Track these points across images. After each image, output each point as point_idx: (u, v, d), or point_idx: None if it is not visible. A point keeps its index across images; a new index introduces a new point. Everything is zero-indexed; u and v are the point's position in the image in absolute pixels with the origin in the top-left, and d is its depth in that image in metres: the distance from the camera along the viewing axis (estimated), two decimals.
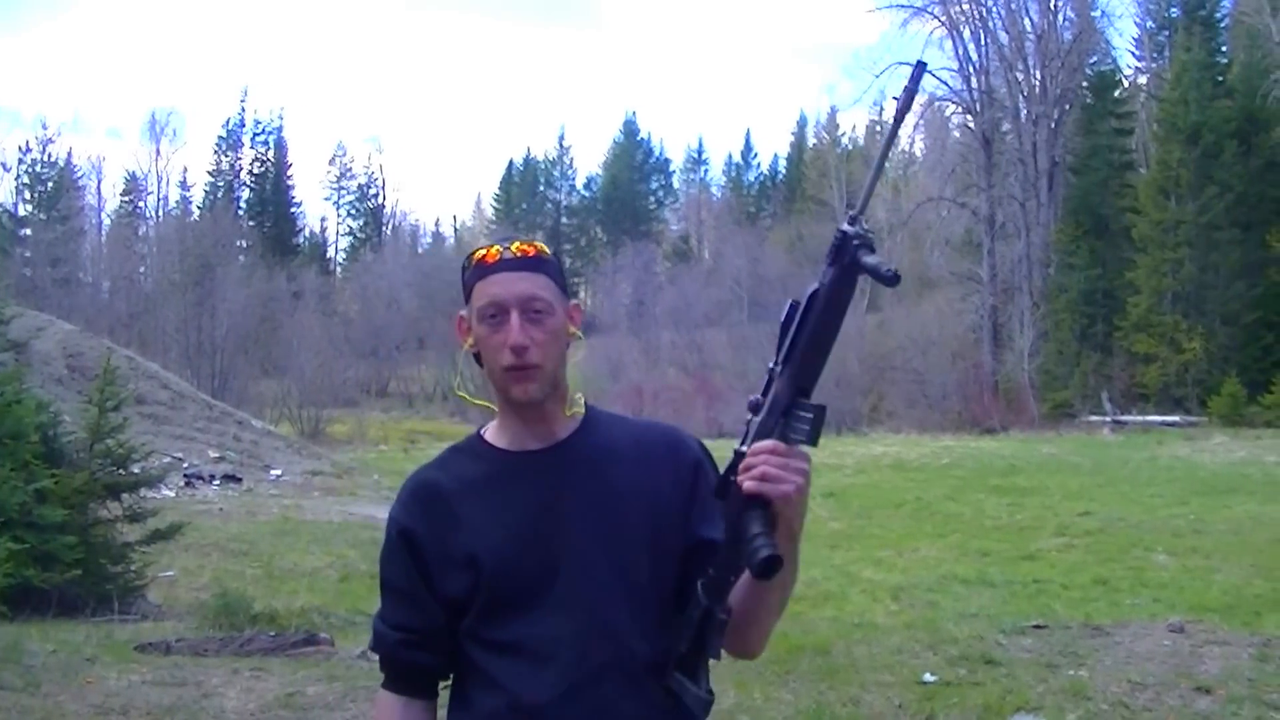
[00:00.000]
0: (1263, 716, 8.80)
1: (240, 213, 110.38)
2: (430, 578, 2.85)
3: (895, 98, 2.59)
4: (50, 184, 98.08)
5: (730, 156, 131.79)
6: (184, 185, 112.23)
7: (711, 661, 2.75)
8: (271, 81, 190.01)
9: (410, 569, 2.88)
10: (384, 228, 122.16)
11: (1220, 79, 57.35)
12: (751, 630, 2.80)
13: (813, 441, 2.55)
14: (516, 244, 2.87)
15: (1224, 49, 61.82)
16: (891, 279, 2.40)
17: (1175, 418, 50.55)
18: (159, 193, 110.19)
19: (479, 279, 2.84)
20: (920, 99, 64.90)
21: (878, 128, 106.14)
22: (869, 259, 2.45)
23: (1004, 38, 70.74)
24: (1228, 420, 48.03)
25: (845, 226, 2.53)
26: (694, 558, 2.79)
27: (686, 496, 2.87)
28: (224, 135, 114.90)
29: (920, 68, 2.55)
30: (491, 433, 2.97)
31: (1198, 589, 17.10)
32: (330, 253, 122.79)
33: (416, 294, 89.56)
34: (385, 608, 2.97)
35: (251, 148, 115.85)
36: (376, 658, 2.98)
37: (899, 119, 2.61)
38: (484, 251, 2.88)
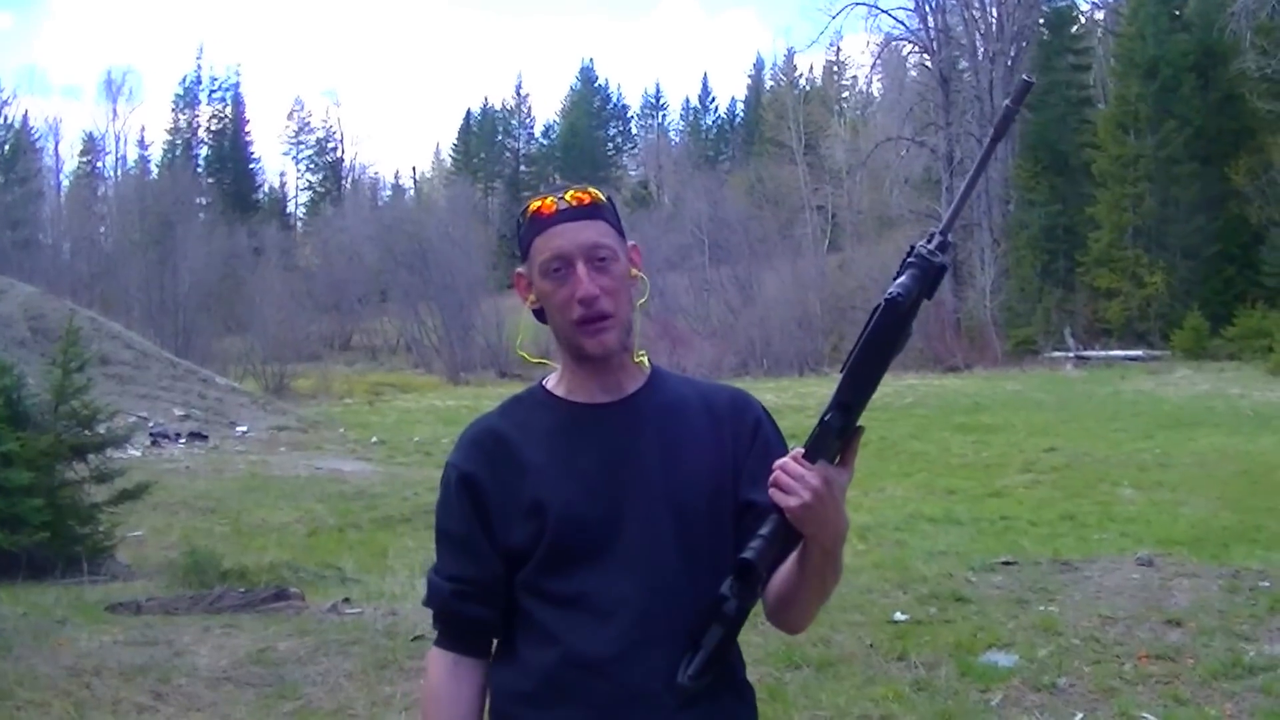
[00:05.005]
0: (1233, 647, 8.85)
1: (199, 170, 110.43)
2: (491, 526, 2.78)
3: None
4: (7, 146, 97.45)
5: (688, 101, 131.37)
6: (142, 144, 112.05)
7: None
8: (227, 37, 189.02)
9: (469, 517, 2.80)
10: (343, 181, 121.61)
11: (1177, 13, 57.24)
12: (790, 610, 2.78)
13: (810, 457, 2.53)
14: (571, 192, 2.79)
15: None
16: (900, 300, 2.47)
17: (1138, 352, 50.86)
18: (117, 152, 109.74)
19: (538, 233, 2.77)
20: (876, 39, 64.83)
21: (835, 68, 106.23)
22: (892, 288, 2.47)
23: None
24: (1190, 353, 48.33)
25: (918, 243, 2.53)
26: (740, 520, 2.77)
27: (744, 457, 2.83)
28: (181, 93, 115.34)
29: (1026, 85, 2.60)
30: (555, 385, 2.91)
31: (1165, 522, 17.16)
32: (290, 207, 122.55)
33: (377, 246, 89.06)
34: (441, 559, 2.88)
35: (209, 104, 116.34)
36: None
37: (996, 137, 2.62)
38: (538, 204, 2.79)
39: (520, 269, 2.86)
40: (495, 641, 2.88)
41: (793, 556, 2.65)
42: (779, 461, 2.55)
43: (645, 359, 2.92)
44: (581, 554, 2.72)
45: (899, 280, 2.46)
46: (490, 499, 2.78)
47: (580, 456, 2.78)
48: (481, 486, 2.79)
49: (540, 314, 2.85)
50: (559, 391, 2.88)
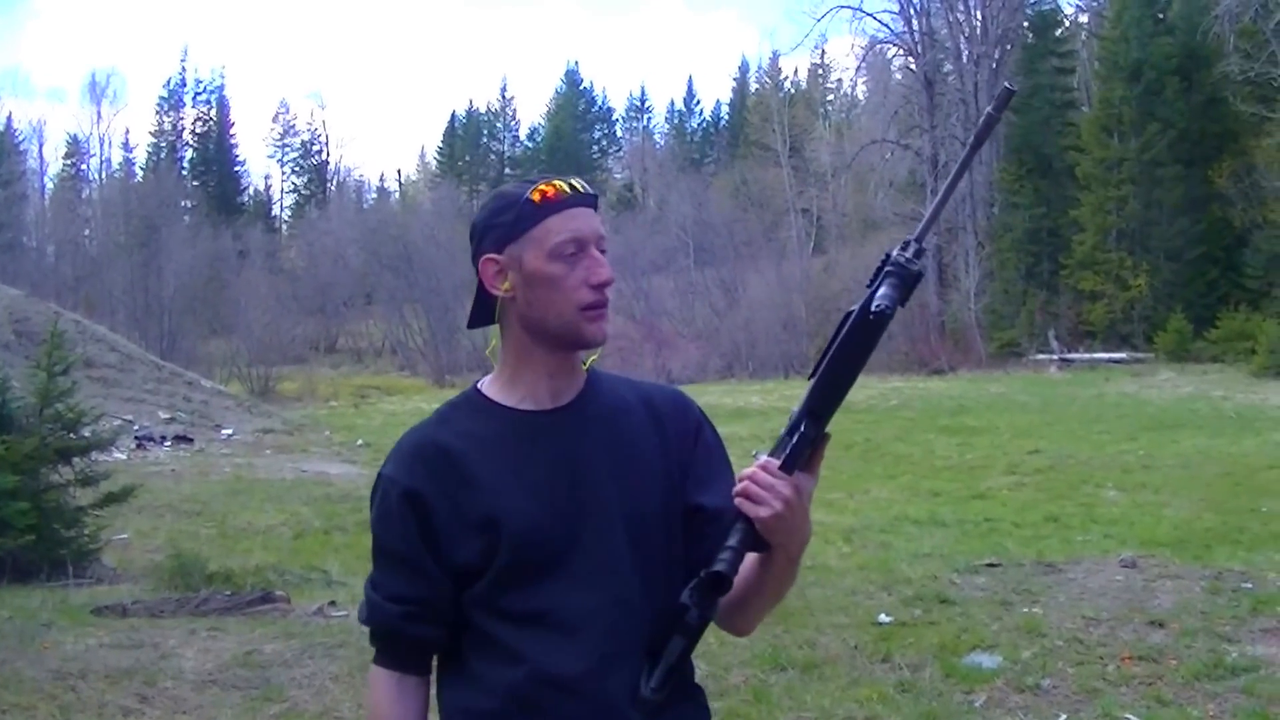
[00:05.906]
0: (1215, 648, 8.90)
1: (184, 173, 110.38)
2: (438, 543, 2.66)
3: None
4: None
5: (673, 104, 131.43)
6: (126, 147, 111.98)
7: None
8: (212, 40, 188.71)
9: (415, 536, 2.67)
10: (328, 184, 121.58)
11: (1160, 16, 57.15)
12: (745, 613, 2.80)
13: (786, 467, 2.53)
14: (576, 181, 2.72)
15: None
16: (887, 310, 2.45)
17: (1122, 354, 50.91)
18: (101, 155, 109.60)
19: (551, 214, 2.66)
20: (861, 42, 65.05)
21: (819, 71, 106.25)
22: (877, 299, 2.45)
23: None
24: (1174, 356, 48.38)
25: (893, 251, 2.50)
26: (689, 524, 2.76)
27: (688, 461, 2.80)
28: (165, 95, 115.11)
29: (1008, 93, 2.57)
30: (493, 388, 2.80)
31: (1148, 524, 17.15)
32: (275, 210, 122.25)
33: (362, 249, 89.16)
34: (381, 577, 2.74)
35: (193, 107, 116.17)
36: (366, 629, 2.76)
37: (977, 143, 2.59)
38: (544, 188, 2.67)
39: (494, 254, 2.74)
40: (437, 657, 2.81)
41: (748, 562, 2.64)
42: (747, 471, 2.54)
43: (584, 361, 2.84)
44: (539, 568, 2.65)
45: (881, 291, 2.45)
46: (437, 516, 2.67)
47: (530, 467, 2.70)
48: (427, 503, 2.67)
49: (487, 307, 2.81)
50: (505, 398, 2.78)
